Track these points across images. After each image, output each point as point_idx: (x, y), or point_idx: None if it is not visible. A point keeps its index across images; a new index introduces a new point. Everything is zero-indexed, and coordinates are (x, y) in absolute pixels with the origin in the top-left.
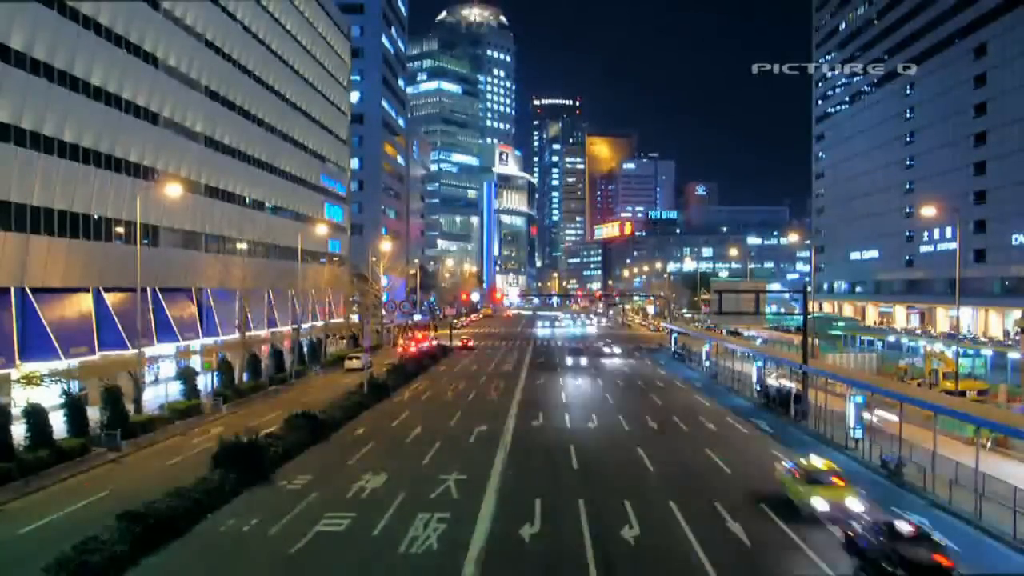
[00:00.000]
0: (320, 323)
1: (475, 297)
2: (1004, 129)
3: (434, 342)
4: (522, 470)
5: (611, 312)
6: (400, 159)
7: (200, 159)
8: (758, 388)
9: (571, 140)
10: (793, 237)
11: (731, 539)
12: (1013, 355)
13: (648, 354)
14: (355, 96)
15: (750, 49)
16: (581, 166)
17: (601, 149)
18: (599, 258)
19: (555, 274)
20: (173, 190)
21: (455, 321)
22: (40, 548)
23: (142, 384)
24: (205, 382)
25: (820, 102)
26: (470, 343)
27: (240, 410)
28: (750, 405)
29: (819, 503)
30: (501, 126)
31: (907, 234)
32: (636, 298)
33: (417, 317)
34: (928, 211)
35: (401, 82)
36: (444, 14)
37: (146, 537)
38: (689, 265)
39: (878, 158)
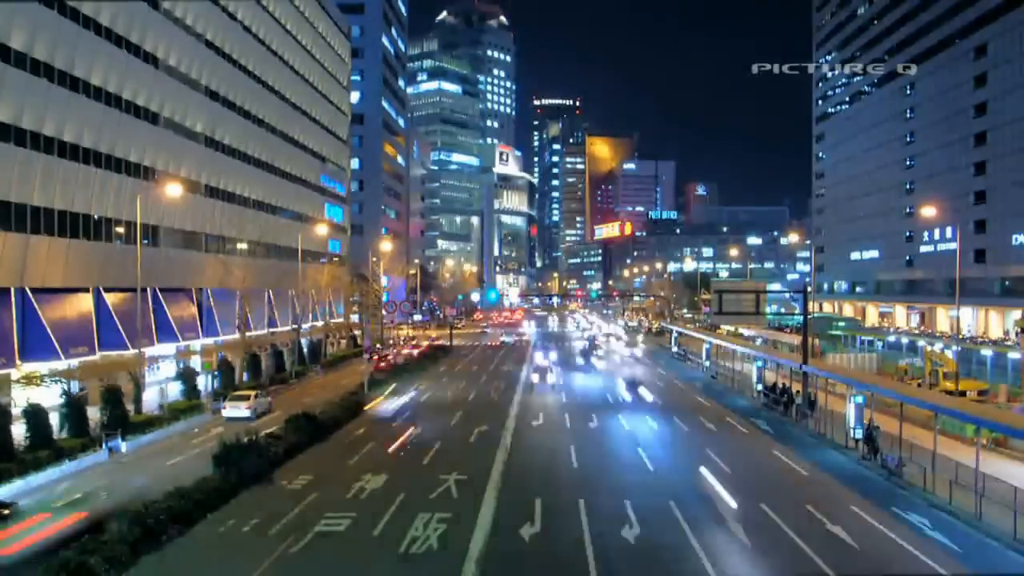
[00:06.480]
0: (320, 323)
1: (475, 297)
2: (1004, 129)
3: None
4: (522, 470)
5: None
6: (400, 159)
7: (200, 159)
8: (759, 388)
9: (571, 140)
10: (793, 237)
11: (732, 539)
12: (1013, 355)
13: (648, 354)
14: (355, 96)
15: (750, 49)
16: (581, 166)
17: (601, 149)
18: (599, 258)
19: (555, 274)
20: (173, 190)
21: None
22: (40, 548)
23: (142, 384)
24: (205, 382)
25: (820, 102)
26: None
27: None
28: (750, 405)
29: None
30: (501, 126)
31: (907, 234)
32: (636, 298)
33: (417, 317)
34: (928, 211)
35: (401, 82)
36: (444, 14)
37: (146, 537)
38: (689, 265)
39: (878, 158)
